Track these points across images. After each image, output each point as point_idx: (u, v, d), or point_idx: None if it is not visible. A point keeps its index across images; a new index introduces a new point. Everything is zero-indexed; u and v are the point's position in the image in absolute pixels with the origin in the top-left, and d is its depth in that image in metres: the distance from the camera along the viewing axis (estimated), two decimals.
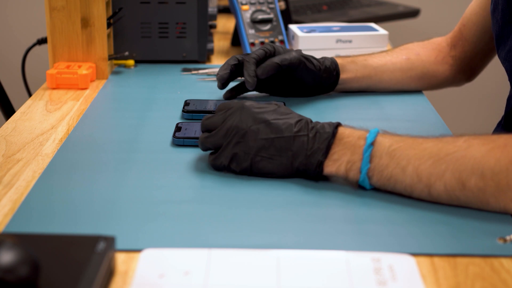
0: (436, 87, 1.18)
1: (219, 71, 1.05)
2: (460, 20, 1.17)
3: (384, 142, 0.75)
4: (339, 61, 1.10)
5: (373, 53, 1.15)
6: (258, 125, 0.79)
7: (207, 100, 1.07)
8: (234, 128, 0.79)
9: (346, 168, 0.77)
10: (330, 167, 0.78)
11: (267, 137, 0.79)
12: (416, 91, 1.17)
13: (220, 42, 1.54)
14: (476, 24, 1.12)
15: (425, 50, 1.16)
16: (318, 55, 1.13)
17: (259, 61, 1.04)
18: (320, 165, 0.77)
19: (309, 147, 0.78)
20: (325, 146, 0.77)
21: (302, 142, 0.78)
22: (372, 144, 0.75)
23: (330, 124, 0.79)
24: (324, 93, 1.13)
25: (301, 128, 0.79)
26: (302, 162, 0.78)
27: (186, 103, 1.06)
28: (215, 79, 1.22)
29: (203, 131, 0.84)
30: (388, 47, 1.43)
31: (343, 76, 1.11)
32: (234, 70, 1.05)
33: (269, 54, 1.04)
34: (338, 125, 0.79)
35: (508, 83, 1.04)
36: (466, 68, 1.17)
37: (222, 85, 1.05)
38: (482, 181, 0.70)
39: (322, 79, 1.08)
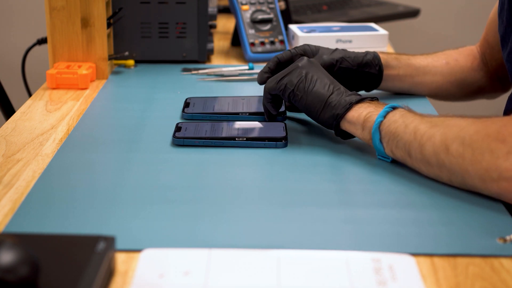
0: (474, 95, 1.16)
1: (259, 72, 1.04)
2: (484, 29, 1.15)
3: (402, 109, 0.84)
4: (382, 56, 1.08)
5: (414, 54, 1.13)
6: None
7: (208, 98, 1.07)
8: (297, 63, 0.94)
9: (365, 118, 0.85)
10: (353, 112, 0.87)
11: (319, 71, 0.92)
12: (456, 100, 1.16)
13: (220, 42, 1.54)
14: (497, 32, 1.10)
15: (462, 56, 1.14)
16: None
17: (285, 62, 1.04)
18: (351, 104, 0.87)
19: (346, 94, 0.90)
20: (359, 97, 0.88)
21: (340, 90, 0.90)
22: (393, 107, 0.84)
23: None
24: (369, 89, 1.09)
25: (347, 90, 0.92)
26: (337, 99, 0.89)
27: (186, 102, 1.06)
28: (215, 79, 1.23)
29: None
30: (388, 47, 1.43)
31: (386, 71, 1.08)
32: (275, 70, 1.04)
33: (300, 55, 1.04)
34: None
35: (510, 83, 1.04)
36: (500, 75, 1.14)
37: (261, 84, 1.05)
38: (461, 146, 0.75)
39: (361, 74, 1.06)
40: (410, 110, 0.84)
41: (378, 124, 0.83)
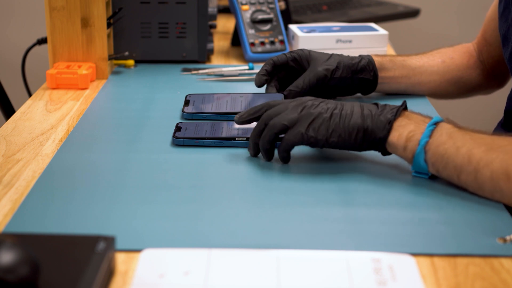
0: (471, 92, 1.16)
1: (256, 75, 1.06)
2: (482, 26, 1.15)
3: (447, 125, 0.79)
4: (377, 59, 1.07)
5: (409, 54, 1.13)
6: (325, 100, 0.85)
7: (207, 95, 1.07)
8: (303, 101, 0.84)
9: (407, 137, 0.79)
10: (394, 132, 0.80)
11: (339, 102, 0.84)
12: (452, 98, 1.16)
13: (220, 42, 1.54)
14: (496, 30, 1.10)
15: (457, 54, 1.14)
16: None
17: (280, 65, 1.04)
18: (390, 122, 0.80)
19: (379, 111, 0.82)
20: (395, 111, 0.81)
21: (371, 108, 0.82)
22: (435, 124, 0.79)
23: None
24: (365, 93, 1.09)
25: (368, 104, 0.84)
26: (371, 122, 0.81)
27: (186, 100, 1.06)
28: (215, 79, 1.23)
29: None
30: (388, 47, 1.43)
31: (381, 74, 1.08)
32: (271, 71, 1.05)
33: (295, 60, 1.04)
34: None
35: (505, 79, 1.04)
36: (496, 72, 1.15)
37: (259, 86, 1.06)
38: None
39: (356, 80, 1.06)
40: (455, 126, 0.79)
41: (424, 144, 0.78)
